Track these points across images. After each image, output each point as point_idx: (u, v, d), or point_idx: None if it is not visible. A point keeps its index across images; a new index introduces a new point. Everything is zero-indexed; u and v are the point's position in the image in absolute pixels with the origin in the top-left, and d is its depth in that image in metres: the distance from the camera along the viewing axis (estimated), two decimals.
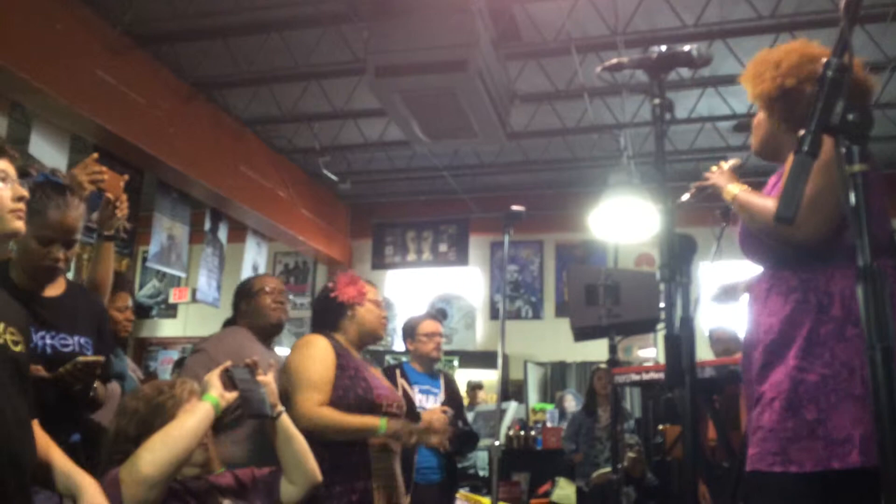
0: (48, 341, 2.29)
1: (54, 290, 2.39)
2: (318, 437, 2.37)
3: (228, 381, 2.03)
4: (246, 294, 3.04)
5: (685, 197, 2.24)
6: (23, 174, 2.22)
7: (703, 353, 5.74)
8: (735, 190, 2.05)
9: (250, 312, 3.01)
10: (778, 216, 1.13)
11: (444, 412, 2.83)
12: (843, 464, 1.72)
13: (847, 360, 1.77)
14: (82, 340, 2.40)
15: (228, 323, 3.10)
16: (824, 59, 1.16)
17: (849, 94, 1.13)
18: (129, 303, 3.43)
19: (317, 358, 2.58)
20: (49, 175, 2.39)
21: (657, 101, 1.67)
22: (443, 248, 8.65)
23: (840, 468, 1.72)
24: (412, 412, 3.26)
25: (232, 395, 1.97)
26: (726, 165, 2.20)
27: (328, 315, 2.79)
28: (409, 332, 3.91)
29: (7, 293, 1.87)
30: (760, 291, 2.02)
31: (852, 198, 1.13)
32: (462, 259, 8.57)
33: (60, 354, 2.30)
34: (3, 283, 2.17)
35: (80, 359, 2.23)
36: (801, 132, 1.15)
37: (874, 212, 1.82)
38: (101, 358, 2.31)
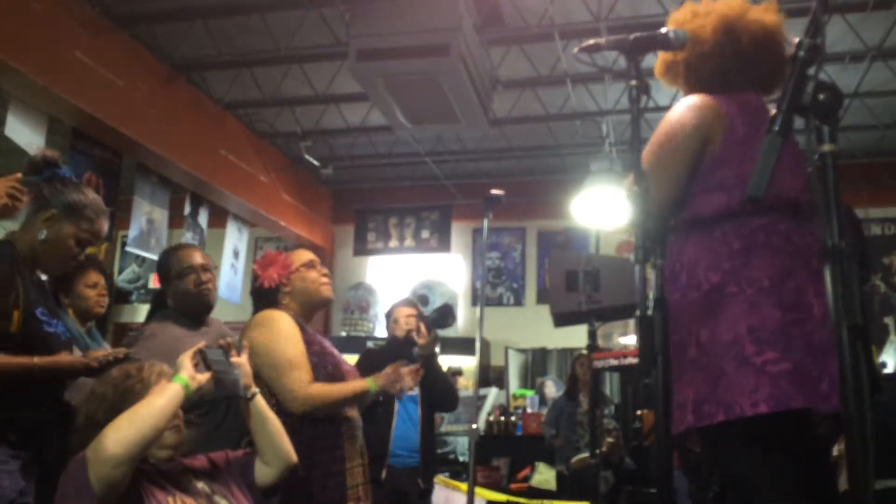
0: (59, 329, 2.32)
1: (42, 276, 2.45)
2: (312, 415, 2.37)
3: (202, 363, 2.02)
4: (165, 277, 2.70)
5: None
6: (47, 164, 2.29)
7: None
8: None
9: (175, 297, 2.68)
10: (749, 195, 1.13)
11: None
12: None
13: (678, 327, 1.78)
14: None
15: (158, 296, 2.83)
16: None
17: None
18: (102, 281, 3.38)
19: (286, 334, 2.45)
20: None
21: (634, 82, 1.67)
22: (425, 234, 8.63)
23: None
24: None
25: (204, 377, 1.96)
26: None
27: (263, 303, 2.61)
28: (387, 318, 4.04)
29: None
30: None
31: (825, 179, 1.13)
32: (444, 246, 8.55)
33: (69, 340, 2.34)
34: (15, 264, 2.22)
35: (123, 350, 2.27)
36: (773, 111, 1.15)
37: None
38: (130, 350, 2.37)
